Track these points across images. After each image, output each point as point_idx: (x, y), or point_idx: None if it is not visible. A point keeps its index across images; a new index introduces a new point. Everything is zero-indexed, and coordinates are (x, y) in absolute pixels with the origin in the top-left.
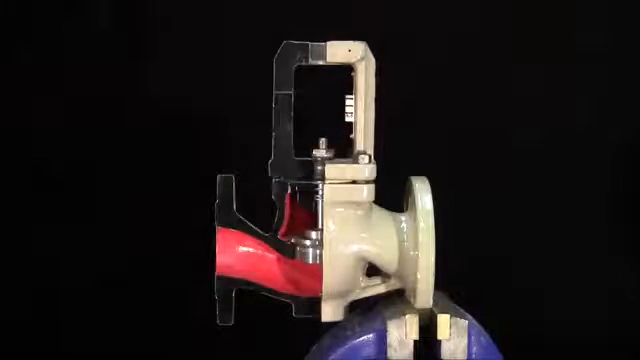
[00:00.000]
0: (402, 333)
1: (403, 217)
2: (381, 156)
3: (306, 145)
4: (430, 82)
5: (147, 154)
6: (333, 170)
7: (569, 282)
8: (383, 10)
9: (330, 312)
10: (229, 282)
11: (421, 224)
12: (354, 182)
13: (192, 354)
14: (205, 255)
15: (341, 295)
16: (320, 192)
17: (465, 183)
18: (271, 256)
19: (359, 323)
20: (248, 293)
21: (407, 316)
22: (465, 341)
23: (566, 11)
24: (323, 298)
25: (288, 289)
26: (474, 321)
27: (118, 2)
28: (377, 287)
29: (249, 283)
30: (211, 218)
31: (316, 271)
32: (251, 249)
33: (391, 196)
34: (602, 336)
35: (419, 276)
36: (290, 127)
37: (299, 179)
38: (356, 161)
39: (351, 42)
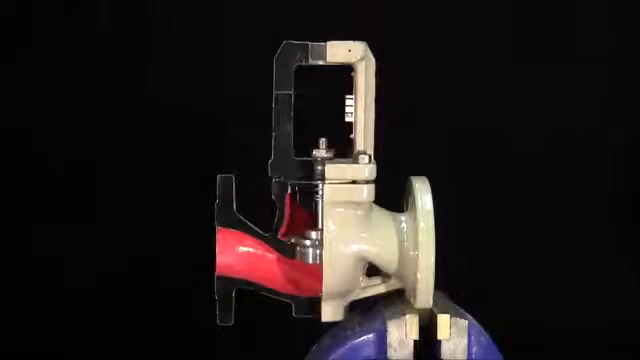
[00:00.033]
0: (402, 333)
1: (403, 217)
2: (381, 156)
3: (306, 145)
4: (430, 82)
5: (147, 154)
6: (333, 170)
7: (569, 282)
8: (383, 10)
9: (330, 312)
10: (229, 282)
11: (421, 224)
12: (354, 182)
13: (192, 354)
14: (205, 255)
15: (341, 295)
16: (320, 192)
17: (465, 183)
18: (271, 256)
19: (359, 323)
20: (248, 293)
21: (407, 316)
22: (465, 341)
23: (566, 11)
24: (323, 298)
25: (288, 289)
26: (474, 321)
27: (118, 2)
28: (377, 287)
29: (249, 283)
30: (211, 218)
31: (316, 271)
32: (251, 249)
33: (391, 196)
34: (602, 336)
35: (419, 276)
36: (290, 127)
37: (299, 179)
38: (356, 161)
39: (351, 42)
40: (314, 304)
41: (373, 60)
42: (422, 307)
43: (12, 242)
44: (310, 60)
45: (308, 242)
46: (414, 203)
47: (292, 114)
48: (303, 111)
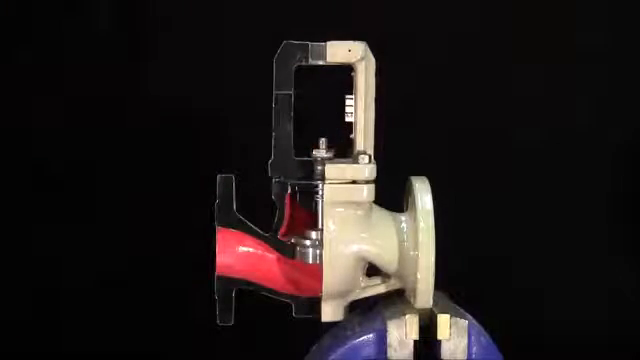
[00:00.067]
0: (402, 333)
1: (403, 217)
2: (381, 156)
3: (306, 145)
4: (430, 82)
5: (147, 154)
6: (333, 170)
7: (569, 282)
8: (383, 10)
9: (330, 312)
10: (229, 282)
11: (421, 224)
12: (354, 182)
13: (192, 354)
14: (205, 255)
15: (341, 295)
16: (320, 192)
17: (465, 183)
18: (271, 256)
19: (359, 323)
20: (248, 293)
21: (407, 316)
22: (465, 341)
23: (566, 11)
24: (323, 298)
25: (288, 289)
26: (474, 321)
27: (118, 2)
28: (377, 287)
29: (249, 283)
30: (211, 218)
31: (316, 271)
32: (251, 249)
33: (391, 196)
34: (602, 336)
35: (419, 276)
36: (290, 127)
37: (299, 179)
38: (356, 161)
39: (351, 42)
40: (314, 304)
41: (373, 60)
42: (422, 307)
43: (12, 242)
44: (310, 60)
45: (308, 242)
46: (414, 203)
47: (292, 114)
48: (303, 111)
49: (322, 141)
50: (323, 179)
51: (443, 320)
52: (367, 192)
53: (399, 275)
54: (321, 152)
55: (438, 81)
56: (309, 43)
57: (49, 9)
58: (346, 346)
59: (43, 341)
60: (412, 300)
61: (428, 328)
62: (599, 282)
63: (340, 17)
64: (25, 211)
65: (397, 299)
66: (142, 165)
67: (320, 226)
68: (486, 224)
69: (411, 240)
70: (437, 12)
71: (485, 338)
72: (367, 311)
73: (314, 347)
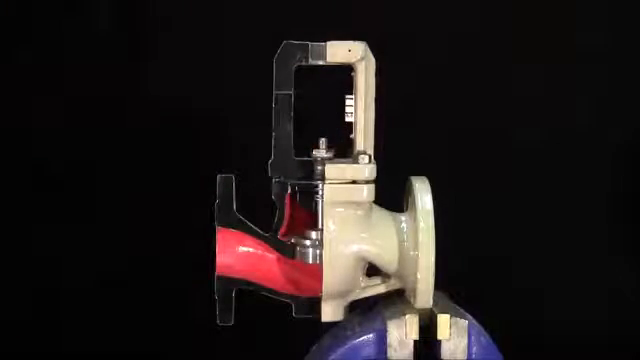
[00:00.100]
0: (402, 333)
1: (403, 217)
2: (381, 156)
3: (306, 145)
4: (430, 82)
5: (147, 154)
6: (333, 170)
7: (569, 282)
8: (383, 10)
9: (330, 312)
10: (229, 282)
11: (421, 224)
12: (354, 182)
13: (192, 354)
14: (205, 255)
15: (341, 295)
16: (320, 192)
17: (465, 183)
18: (271, 256)
19: (359, 323)
20: (248, 293)
21: (407, 316)
22: (465, 341)
23: (566, 11)
24: (323, 298)
25: (288, 289)
26: (474, 321)
27: (118, 2)
28: (377, 287)
29: (249, 283)
30: (211, 218)
31: (316, 271)
32: (251, 249)
33: (391, 196)
34: (602, 336)
35: (419, 276)
36: (290, 127)
37: (299, 179)
38: (356, 161)
39: (351, 42)
40: (314, 304)
41: (373, 60)
42: (422, 307)
43: (12, 242)
44: (310, 60)
45: (308, 242)
46: (414, 203)
47: (292, 114)
48: (303, 111)
49: (322, 141)
50: (323, 179)
51: (443, 320)
52: (367, 192)
53: (399, 275)
54: (321, 152)
55: (438, 81)
56: (309, 43)
57: (49, 9)
58: (346, 346)
59: (43, 341)
60: (412, 300)
61: (428, 328)
62: (599, 282)
63: (340, 17)
64: (25, 211)
65: (397, 299)
66: (142, 165)
67: (320, 226)
68: (486, 224)
69: (411, 240)
70: (437, 12)
71: (485, 338)
72: (367, 311)
73: (314, 347)
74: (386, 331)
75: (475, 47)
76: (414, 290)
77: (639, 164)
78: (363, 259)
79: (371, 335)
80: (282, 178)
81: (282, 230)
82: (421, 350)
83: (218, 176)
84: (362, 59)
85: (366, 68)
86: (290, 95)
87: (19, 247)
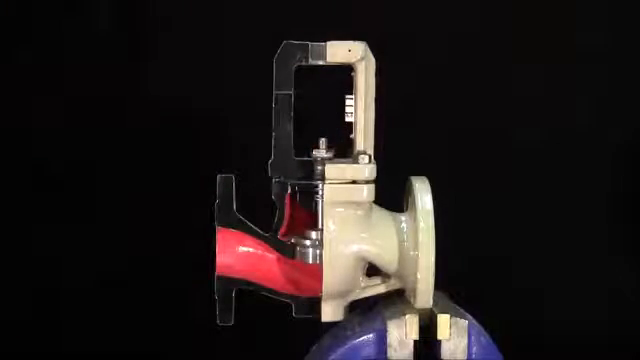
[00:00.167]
0: (402, 333)
1: (403, 217)
2: (381, 156)
3: (306, 145)
4: (430, 82)
5: (147, 154)
6: (333, 170)
7: (569, 282)
8: (383, 10)
9: (330, 312)
10: (229, 282)
11: (421, 224)
12: (354, 182)
13: (192, 354)
14: (205, 255)
15: (341, 295)
16: (320, 192)
17: (465, 183)
18: (271, 256)
19: (359, 323)
20: (248, 293)
21: (407, 316)
22: (465, 341)
23: (566, 11)
24: (323, 298)
25: (288, 289)
26: (474, 321)
27: (118, 2)
28: (377, 287)
29: (249, 283)
30: (211, 218)
31: (316, 271)
32: (251, 249)
33: (391, 196)
34: (602, 336)
35: (419, 276)
36: (290, 127)
37: (299, 179)
38: (356, 161)
39: (351, 42)
40: (314, 304)
41: (373, 60)
42: (422, 307)
43: (12, 242)
44: (310, 60)
45: (308, 242)
46: (414, 203)
47: (292, 114)
48: (303, 111)
49: (322, 141)
50: (323, 179)
51: (443, 320)
52: (367, 192)
53: (399, 275)
54: (321, 152)
55: (438, 81)
56: (309, 43)
57: (49, 9)
58: (346, 346)
59: (43, 341)
60: (412, 300)
61: (428, 328)
62: (599, 282)
63: (340, 17)
64: (25, 211)
65: (397, 299)
66: (142, 165)
67: (320, 226)
68: (486, 224)
69: (411, 240)
70: (437, 12)
71: (485, 338)
72: (367, 311)
73: (314, 347)
74: (386, 331)
75: (475, 47)
76: (414, 290)
77: (639, 164)
78: (363, 259)
79: (371, 335)
80: (282, 178)
81: (282, 230)
82: (421, 350)
83: (218, 176)
84: (362, 59)
85: (366, 68)
86: (290, 95)
87: (19, 247)
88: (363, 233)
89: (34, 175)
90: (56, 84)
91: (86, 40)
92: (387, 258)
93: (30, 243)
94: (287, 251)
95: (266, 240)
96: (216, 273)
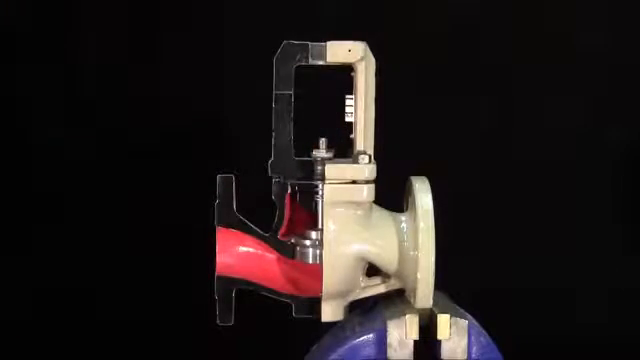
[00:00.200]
0: (402, 333)
1: (403, 217)
2: (381, 156)
3: (306, 145)
4: (430, 82)
5: (147, 154)
6: (333, 170)
7: (569, 282)
8: (383, 10)
9: (330, 312)
10: (229, 282)
11: (421, 224)
12: (354, 182)
13: (192, 354)
14: (205, 255)
15: (341, 295)
16: (320, 192)
17: (465, 183)
18: (271, 256)
19: (359, 323)
20: (248, 293)
21: (407, 316)
22: (465, 341)
23: (566, 11)
24: (323, 298)
25: (288, 289)
26: (474, 321)
27: (118, 2)
28: (377, 287)
29: (249, 283)
30: (211, 218)
31: (316, 271)
32: (251, 249)
33: (391, 196)
34: (602, 336)
35: (419, 276)
36: (290, 127)
37: (299, 179)
38: (356, 161)
39: (351, 42)
40: (314, 304)
41: (373, 60)
42: (422, 307)
43: (12, 242)
44: (310, 60)
45: (308, 242)
46: (414, 203)
47: (292, 114)
48: (303, 111)
49: (322, 141)
50: (323, 179)
51: (443, 320)
52: (367, 192)
53: (399, 275)
54: (321, 152)
55: (438, 81)
56: (309, 43)
57: (49, 9)
58: (346, 346)
59: (43, 341)
60: (412, 300)
61: (428, 328)
62: (599, 282)
63: (340, 17)
64: (25, 211)
65: (397, 299)
66: (142, 165)
67: (320, 226)
68: (486, 224)
69: (411, 240)
70: (437, 12)
71: (485, 338)
72: (367, 311)
73: (314, 347)
74: (386, 331)
75: (475, 47)
76: (414, 290)
77: (639, 164)
78: (363, 259)
79: (371, 335)
80: (282, 178)
81: (282, 230)
82: (421, 350)
83: (218, 176)
84: (362, 59)
85: (366, 68)
86: (290, 95)
87: (19, 247)
88: (363, 233)
89: (34, 175)
90: (56, 84)
91: (86, 40)
92: (387, 258)
93: (30, 243)
94: (287, 251)
95: (266, 240)
96: (216, 273)
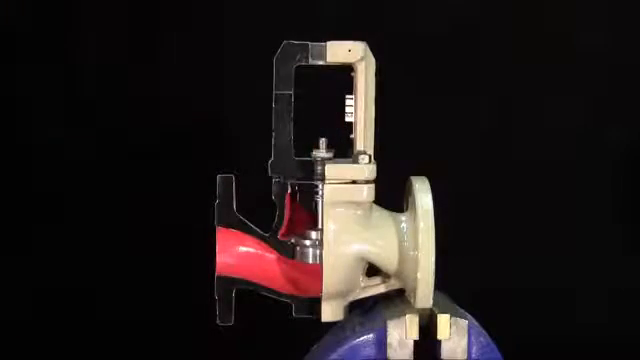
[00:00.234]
0: (402, 333)
1: (403, 217)
2: (381, 156)
3: (306, 145)
4: (430, 82)
5: (147, 154)
6: (333, 170)
7: (569, 282)
8: (383, 10)
9: (330, 312)
10: (229, 282)
11: (421, 224)
12: (354, 182)
13: (192, 354)
14: (205, 255)
15: (341, 295)
16: (320, 192)
17: (465, 183)
18: (271, 256)
19: (359, 323)
20: (248, 293)
21: (407, 316)
22: (465, 341)
23: (566, 11)
24: (323, 298)
25: (288, 289)
26: (474, 321)
27: (118, 2)
28: (377, 287)
29: (249, 283)
30: (211, 218)
31: (316, 271)
32: (251, 249)
33: (391, 196)
34: (602, 336)
35: (419, 276)
36: (290, 127)
37: (299, 179)
38: (356, 161)
39: (351, 42)
40: (314, 304)
41: (373, 60)
42: (422, 307)
43: (12, 242)
44: (310, 60)
45: (308, 242)
46: (414, 203)
47: (292, 114)
48: (303, 111)
49: (322, 141)
50: (323, 179)
51: (443, 320)
52: (367, 192)
53: (399, 275)
54: (321, 152)
55: (438, 81)
56: (309, 43)
57: (49, 9)
58: (346, 346)
59: (43, 341)
60: (412, 300)
61: (428, 328)
62: (599, 282)
63: (340, 17)
64: (25, 211)
65: (397, 299)
66: (142, 165)
67: (320, 226)
68: (486, 224)
69: (411, 240)
70: (437, 12)
71: (485, 338)
72: (367, 311)
73: (314, 347)
74: (386, 331)
75: (475, 47)
76: (414, 290)
77: (639, 164)
78: (363, 259)
79: (371, 335)
80: (282, 178)
81: (282, 230)
82: (421, 350)
83: (218, 176)
84: (362, 59)
85: (366, 68)
86: (290, 95)
87: (19, 247)
88: (363, 233)
89: (34, 175)
90: (57, 84)
91: (86, 40)
92: (387, 258)
93: (30, 243)
94: (287, 251)
95: (266, 240)
96: (216, 273)
